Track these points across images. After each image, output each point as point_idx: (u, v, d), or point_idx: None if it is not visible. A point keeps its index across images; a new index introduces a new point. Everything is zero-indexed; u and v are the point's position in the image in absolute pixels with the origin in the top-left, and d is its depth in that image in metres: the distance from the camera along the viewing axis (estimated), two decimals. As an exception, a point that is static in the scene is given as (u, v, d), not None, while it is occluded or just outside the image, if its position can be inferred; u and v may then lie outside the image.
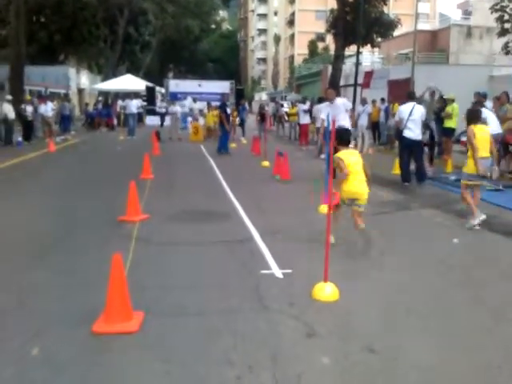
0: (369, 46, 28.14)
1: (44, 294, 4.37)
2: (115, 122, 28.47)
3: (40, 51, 35.56)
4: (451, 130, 12.25)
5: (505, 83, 17.24)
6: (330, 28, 27.74)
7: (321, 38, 63.87)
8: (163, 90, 32.81)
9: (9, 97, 18.71)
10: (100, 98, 34.25)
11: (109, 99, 33.88)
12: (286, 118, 23.81)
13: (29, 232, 6.45)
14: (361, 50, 23.85)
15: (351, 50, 28.37)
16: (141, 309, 3.89)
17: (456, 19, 38.63)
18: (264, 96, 70.84)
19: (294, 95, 47.23)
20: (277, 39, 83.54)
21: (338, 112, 9.47)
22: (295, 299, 4.26)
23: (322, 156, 11.87)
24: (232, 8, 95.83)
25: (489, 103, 12.11)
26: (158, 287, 4.53)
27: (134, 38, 47.27)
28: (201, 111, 24.18)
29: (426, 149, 12.09)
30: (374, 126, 19.08)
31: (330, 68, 30.06)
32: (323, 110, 10.29)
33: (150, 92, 32.40)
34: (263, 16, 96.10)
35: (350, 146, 6.52)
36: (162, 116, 27.99)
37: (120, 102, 29.15)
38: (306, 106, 19.57)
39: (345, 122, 9.30)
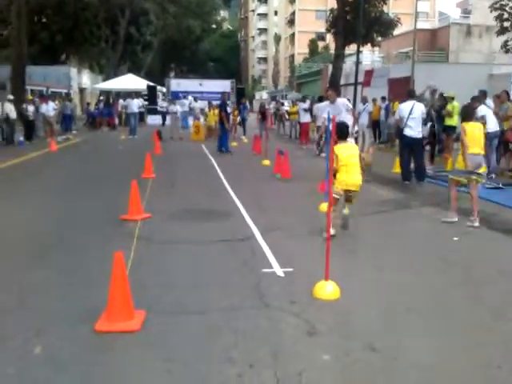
0: (369, 45, 28.11)
1: (45, 293, 4.39)
2: (117, 121, 28.48)
3: (41, 51, 35.62)
4: (452, 128, 12.25)
5: (504, 81, 17.23)
6: (330, 27, 27.72)
7: (321, 37, 63.89)
8: (164, 90, 32.83)
9: (10, 96, 18.73)
10: (101, 98, 34.31)
11: (110, 99, 33.92)
12: (287, 116, 23.83)
13: (30, 231, 6.47)
14: (361, 48, 23.82)
15: (351, 49, 28.39)
16: (142, 307, 3.90)
17: (455, 18, 38.58)
18: (265, 95, 70.85)
19: (294, 94, 47.19)
20: (277, 39, 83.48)
21: (339, 112, 9.47)
22: (296, 297, 4.27)
23: (323, 155, 11.88)
24: (232, 8, 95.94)
25: (489, 101, 12.12)
26: (160, 286, 4.55)
27: (136, 38, 47.30)
28: (202, 110, 24.20)
29: (428, 147, 12.12)
30: (375, 125, 19.06)
31: (330, 67, 30.05)
32: (324, 110, 10.30)
33: (152, 91, 32.43)
34: (263, 16, 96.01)
35: (349, 139, 6.96)
36: (164, 115, 28.01)
37: (121, 102, 29.16)
38: (306, 105, 19.58)
39: (346, 120, 9.31)
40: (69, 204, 8.18)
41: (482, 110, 10.42)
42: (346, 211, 6.42)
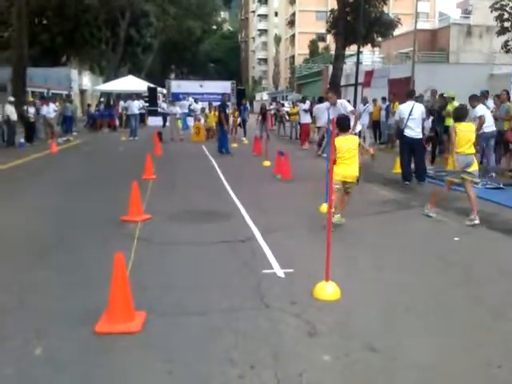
0: (369, 45, 28.16)
1: (45, 294, 4.40)
2: (117, 122, 28.47)
3: (42, 53, 35.69)
4: (452, 129, 12.24)
5: (505, 82, 17.23)
6: (330, 28, 27.76)
7: (321, 38, 63.93)
8: (165, 91, 32.86)
9: (11, 98, 18.74)
10: (102, 99, 34.36)
11: (111, 100, 33.95)
12: (287, 117, 23.84)
13: (30, 231, 6.48)
14: (361, 49, 23.86)
15: (352, 49, 28.38)
16: (143, 309, 3.91)
17: (456, 18, 38.61)
18: (265, 96, 70.91)
19: (295, 95, 47.26)
20: (277, 40, 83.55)
21: (339, 114, 9.47)
22: (297, 298, 4.27)
23: (324, 155, 11.88)
24: (233, 9, 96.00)
25: (490, 102, 12.13)
26: (160, 287, 4.55)
27: (136, 40, 47.28)
28: (203, 109, 24.21)
29: (429, 148, 12.13)
30: (375, 125, 19.08)
31: (330, 68, 30.09)
32: (324, 111, 10.31)
33: (152, 93, 32.45)
34: (264, 17, 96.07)
35: (352, 131, 7.38)
36: (164, 117, 28.02)
37: (122, 103, 29.16)
38: (306, 106, 19.58)
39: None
40: (69, 205, 8.19)
41: (480, 109, 10.42)
42: (337, 219, 6.51)
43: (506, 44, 23.75)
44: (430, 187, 9.78)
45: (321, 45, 63.64)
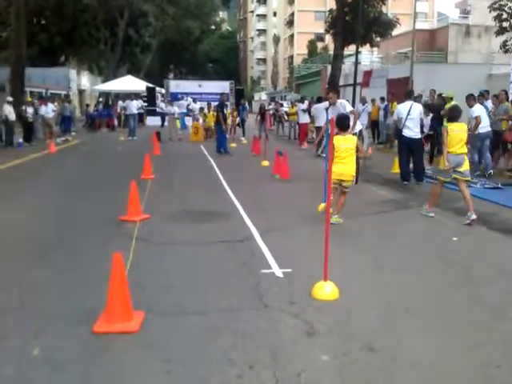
0: (368, 45, 28.12)
1: (44, 294, 4.39)
2: (116, 122, 28.48)
3: (40, 53, 35.61)
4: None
5: (503, 81, 17.24)
6: (329, 28, 27.73)
7: (320, 38, 63.91)
8: (164, 91, 32.85)
9: (9, 98, 18.72)
10: (101, 99, 34.32)
11: (109, 100, 33.92)
12: (286, 117, 23.84)
13: (29, 232, 6.46)
14: (360, 49, 23.87)
15: (350, 49, 28.40)
16: (141, 308, 3.90)
17: (454, 18, 38.60)
18: (264, 96, 70.91)
19: (293, 95, 47.26)
20: (276, 40, 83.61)
21: (339, 113, 9.46)
22: (295, 298, 4.26)
23: (323, 155, 11.88)
24: (232, 9, 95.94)
25: (489, 102, 12.13)
26: (159, 287, 4.54)
27: (135, 40, 47.24)
28: (201, 109, 24.20)
29: (427, 147, 12.12)
30: (374, 125, 19.09)
31: (329, 68, 30.10)
32: (322, 111, 10.29)
33: (151, 92, 32.43)
34: (262, 17, 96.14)
35: (351, 131, 7.48)
36: (163, 116, 28.02)
37: (120, 103, 29.17)
38: (305, 106, 19.58)
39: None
40: (68, 205, 8.18)
41: (476, 109, 10.43)
42: (335, 220, 6.59)
43: (504, 44, 23.73)
44: (428, 187, 9.80)
45: (319, 45, 63.67)
